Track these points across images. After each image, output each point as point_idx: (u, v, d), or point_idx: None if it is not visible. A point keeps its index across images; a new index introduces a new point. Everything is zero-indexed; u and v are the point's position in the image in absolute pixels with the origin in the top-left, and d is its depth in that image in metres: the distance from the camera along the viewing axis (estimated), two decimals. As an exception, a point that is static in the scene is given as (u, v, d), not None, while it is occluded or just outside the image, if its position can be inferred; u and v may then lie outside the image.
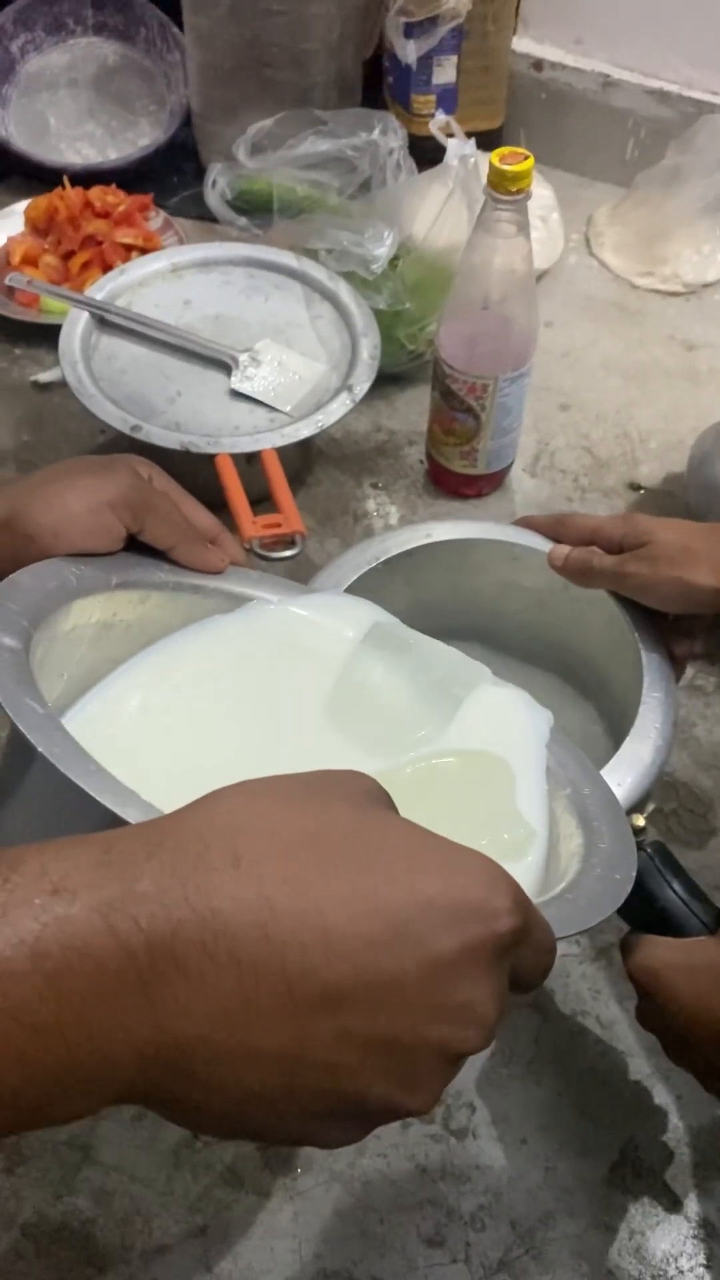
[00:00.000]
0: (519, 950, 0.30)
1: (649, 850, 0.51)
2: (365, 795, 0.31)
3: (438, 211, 0.90)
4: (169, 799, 0.30)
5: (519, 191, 0.71)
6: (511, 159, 0.70)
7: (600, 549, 0.63)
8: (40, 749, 0.31)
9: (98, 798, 0.30)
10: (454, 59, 1.02)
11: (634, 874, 0.44)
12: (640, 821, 0.51)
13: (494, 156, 0.71)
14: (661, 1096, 0.59)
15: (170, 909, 0.25)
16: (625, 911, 0.47)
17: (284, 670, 0.51)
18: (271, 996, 0.26)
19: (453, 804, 0.48)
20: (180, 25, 1.08)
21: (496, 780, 0.49)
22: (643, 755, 0.57)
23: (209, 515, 0.57)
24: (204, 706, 0.47)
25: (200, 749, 0.44)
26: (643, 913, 0.50)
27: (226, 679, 0.49)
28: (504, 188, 0.71)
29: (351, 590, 0.62)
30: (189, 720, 0.46)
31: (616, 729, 0.65)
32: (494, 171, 0.70)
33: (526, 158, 0.70)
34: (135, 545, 0.51)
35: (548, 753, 0.51)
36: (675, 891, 0.50)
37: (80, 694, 0.44)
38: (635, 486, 0.89)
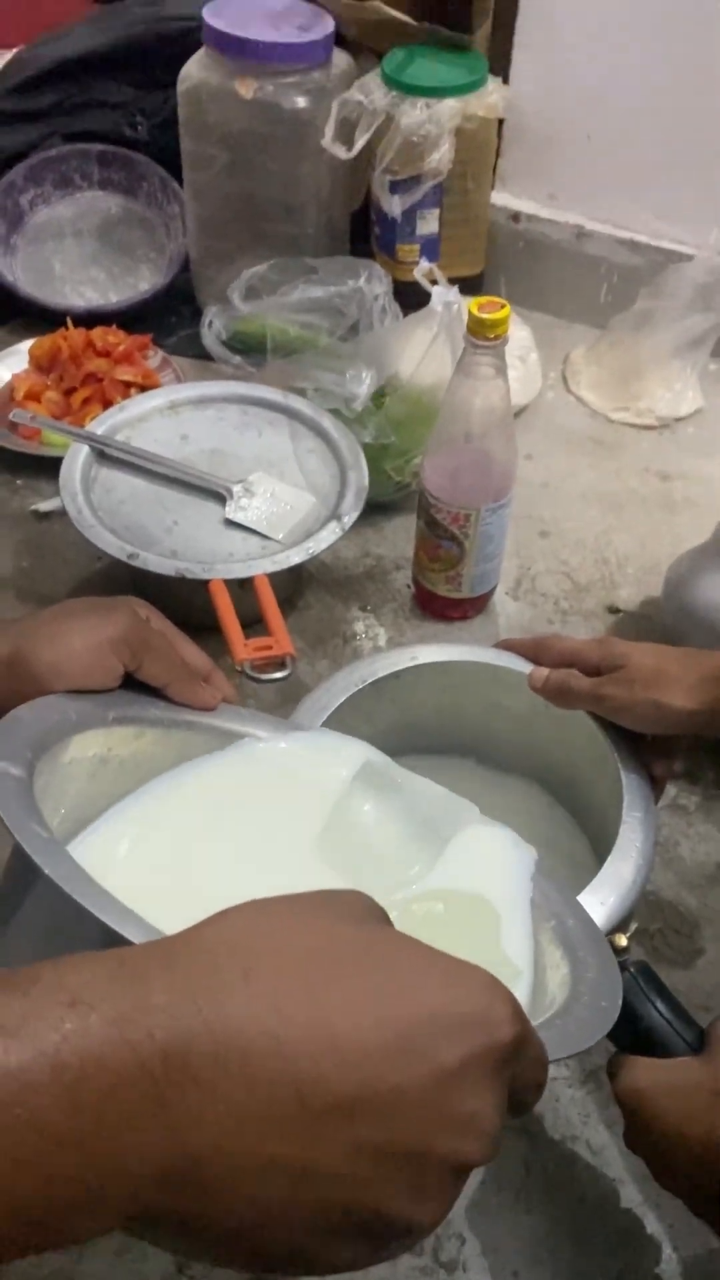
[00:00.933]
0: (518, 1063, 0.31)
1: (633, 970, 0.51)
2: (367, 912, 0.32)
3: (422, 353, 0.95)
4: (164, 930, 0.31)
5: (496, 338, 0.76)
6: (489, 308, 0.75)
7: (579, 671, 0.65)
8: (46, 870, 0.33)
9: (102, 918, 0.32)
10: (436, 212, 1.10)
11: (620, 1000, 0.45)
12: (623, 941, 0.52)
13: (473, 305, 0.76)
14: (653, 1225, 0.58)
15: (183, 1021, 0.26)
16: (610, 1031, 0.48)
17: (275, 808, 0.52)
18: (283, 1106, 0.27)
19: (440, 945, 0.49)
20: (180, 181, 1.16)
21: (482, 922, 0.50)
22: (624, 875, 0.58)
23: (202, 654, 0.59)
24: (195, 846, 0.49)
25: (192, 888, 0.45)
26: (628, 1032, 0.50)
27: (218, 818, 0.51)
28: (483, 334, 0.75)
29: (340, 711, 0.64)
30: (181, 860, 0.47)
31: (599, 843, 0.66)
32: (473, 319, 0.75)
33: (503, 307, 0.75)
34: (132, 682, 0.54)
35: (532, 886, 0.52)
36: (659, 1011, 0.51)
37: (75, 830, 0.46)
38: (614, 609, 0.92)
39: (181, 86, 1.05)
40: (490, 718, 0.72)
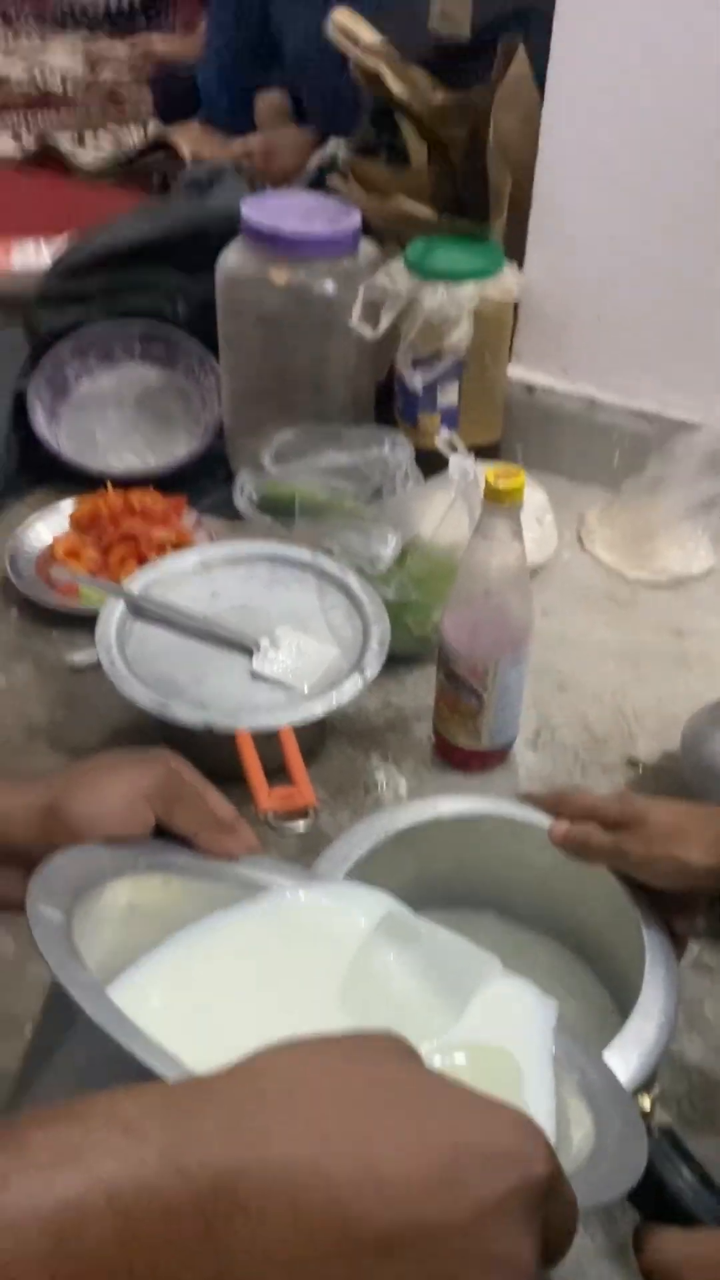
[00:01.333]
0: (550, 1203, 0.32)
1: (658, 1134, 0.51)
2: (404, 1050, 0.34)
3: (442, 515, 1.00)
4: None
5: (512, 504, 0.80)
6: (505, 476, 0.79)
7: (599, 826, 0.66)
8: (88, 1012, 0.34)
9: (145, 1060, 0.33)
10: (456, 385, 1.17)
11: (645, 1153, 0.44)
12: (647, 1104, 0.52)
13: (490, 474, 0.80)
14: None
15: (233, 1150, 0.27)
16: (635, 1197, 0.47)
17: (297, 959, 0.53)
18: (327, 1238, 0.27)
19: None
20: (217, 356, 1.24)
21: (504, 1074, 0.50)
22: (647, 1034, 0.58)
23: (228, 805, 0.61)
24: (223, 997, 0.50)
25: (222, 1038, 0.46)
26: (653, 1199, 0.49)
27: (244, 969, 0.52)
28: (499, 500, 0.80)
29: (362, 863, 0.65)
30: (210, 1011, 0.48)
31: (622, 1000, 0.66)
32: (490, 487, 0.80)
33: (518, 475, 0.80)
34: (161, 831, 0.56)
35: (554, 1040, 0.52)
36: (685, 1178, 0.50)
37: (108, 978, 0.47)
38: (633, 762, 0.93)
39: (220, 273, 1.14)
40: (511, 871, 0.72)
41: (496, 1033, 0.52)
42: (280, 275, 1.09)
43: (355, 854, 0.66)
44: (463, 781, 0.91)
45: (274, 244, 1.09)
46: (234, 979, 0.51)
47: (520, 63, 1.12)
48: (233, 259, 1.13)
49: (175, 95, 2.21)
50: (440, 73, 1.27)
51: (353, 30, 1.13)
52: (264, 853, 0.61)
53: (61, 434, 1.25)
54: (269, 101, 2.11)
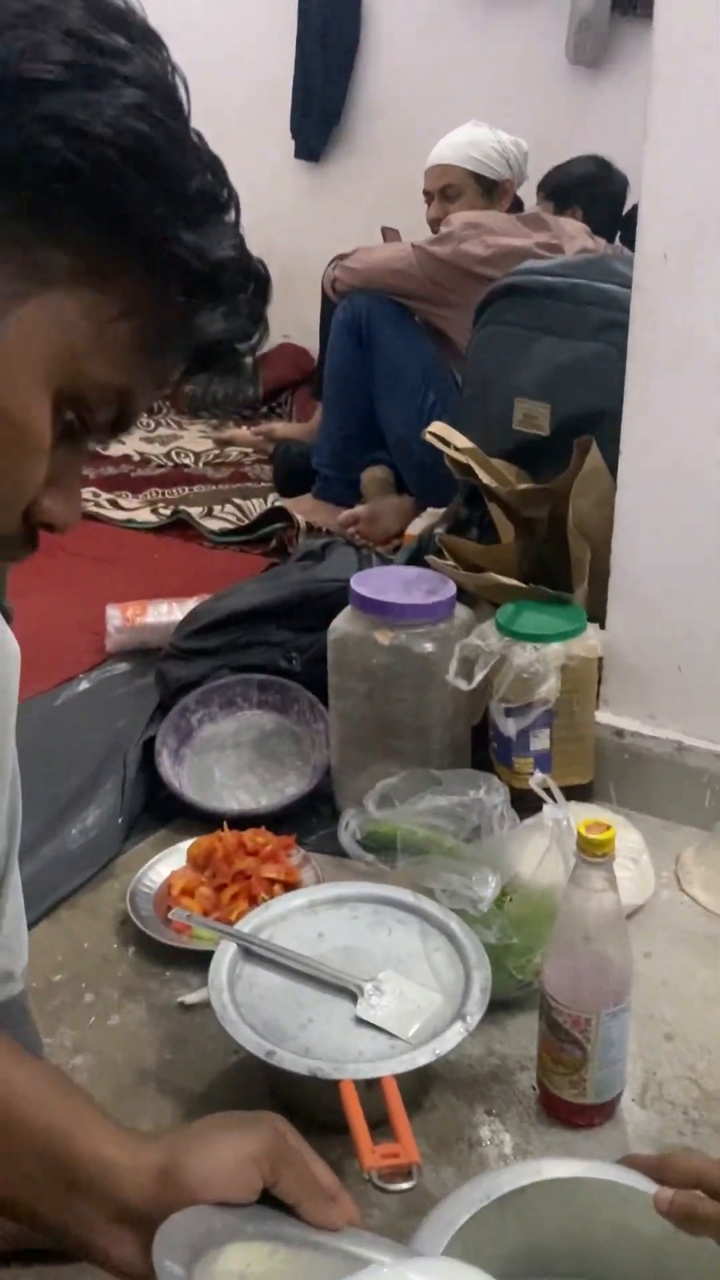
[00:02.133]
0: None
1: None
2: None
3: (539, 859, 1.04)
4: None
5: (604, 855, 0.85)
6: (595, 829, 0.85)
7: (706, 1194, 0.65)
8: None
9: None
10: (547, 731, 1.25)
11: None
12: None
13: (581, 826, 0.86)
14: None
15: None
16: None
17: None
18: None
19: None
20: (326, 704, 1.35)
21: None
22: None
23: (331, 1174, 0.63)
24: None
25: None
26: None
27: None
28: (591, 852, 0.85)
29: (464, 1230, 0.65)
30: None
31: None
32: (582, 839, 0.85)
33: (608, 828, 0.85)
34: (266, 1196, 0.58)
35: None
36: None
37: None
38: (746, 1121, 0.90)
39: (331, 635, 1.27)
40: (619, 1240, 0.70)
41: None
42: (385, 637, 1.22)
43: (458, 1220, 0.65)
44: (568, 1138, 0.90)
45: (380, 612, 1.22)
46: None
47: (594, 457, 1.28)
48: (342, 624, 1.26)
49: (293, 472, 2.52)
50: (522, 462, 1.46)
51: (446, 436, 1.32)
52: (365, 1218, 0.62)
53: (184, 775, 1.36)
54: (373, 475, 2.39)
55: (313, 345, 3.13)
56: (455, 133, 2.28)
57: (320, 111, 3.20)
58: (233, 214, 0.51)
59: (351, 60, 3.14)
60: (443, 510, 1.94)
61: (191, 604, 1.69)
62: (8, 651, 0.68)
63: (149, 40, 0.46)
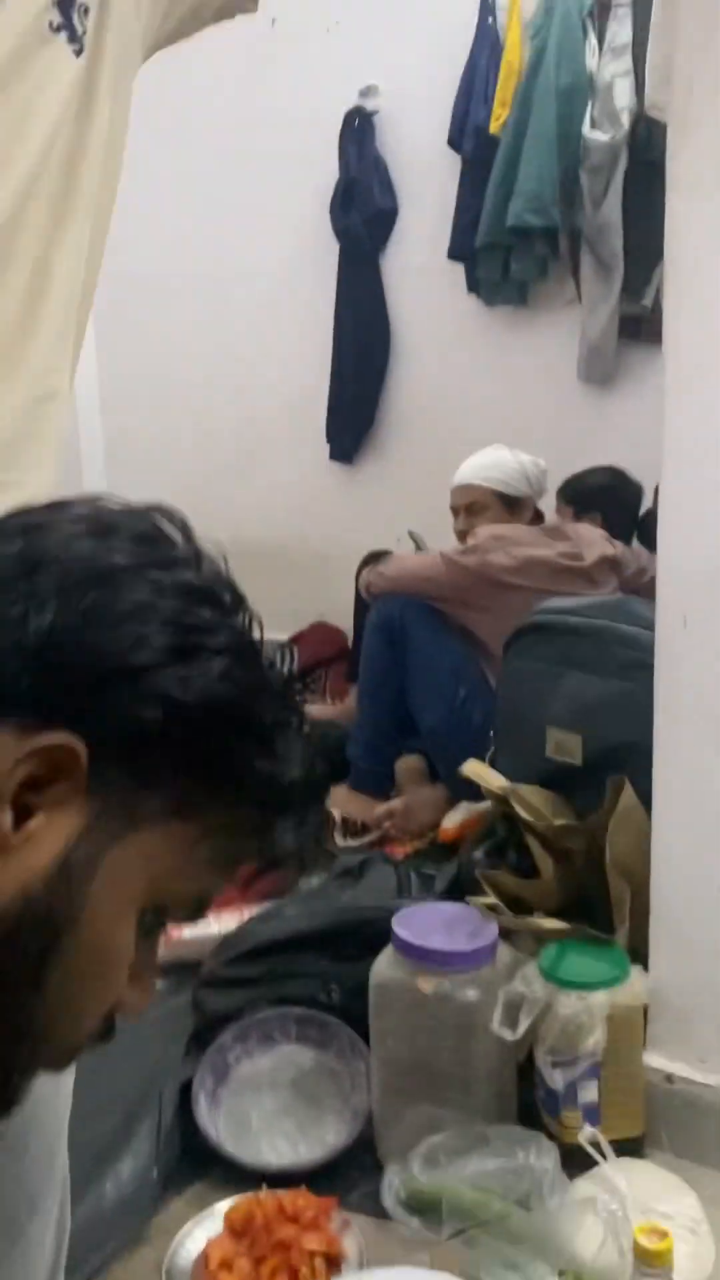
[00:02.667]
0: None
1: None
2: None
3: (596, 1246, 1.00)
4: None
5: (663, 1266, 0.82)
6: (652, 1237, 0.82)
7: None
8: None
9: None
10: (595, 1083, 1.22)
11: None
12: None
13: (638, 1231, 0.83)
14: None
15: None
16: None
17: None
18: None
19: None
20: (366, 1040, 1.33)
21: None
22: None
23: None
24: None
25: None
26: None
27: None
28: (649, 1262, 0.82)
29: None
30: None
31: None
32: (639, 1247, 0.82)
33: (665, 1236, 0.82)
34: None
35: None
36: None
37: None
38: None
39: (374, 979, 1.27)
40: None
41: None
42: (427, 984, 1.22)
43: None
44: None
45: (421, 957, 1.23)
46: None
47: (628, 795, 1.32)
48: (384, 968, 1.27)
49: (328, 758, 2.58)
50: (557, 788, 1.50)
51: (484, 775, 1.37)
52: None
53: (220, 1119, 1.33)
54: (408, 765, 2.44)
55: (346, 625, 3.27)
56: (479, 455, 2.48)
57: (353, 419, 3.48)
58: (301, 725, 0.56)
59: (383, 374, 3.44)
60: (478, 806, 1.97)
61: (230, 917, 1.70)
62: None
63: (234, 607, 0.54)
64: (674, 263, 1.15)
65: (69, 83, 0.94)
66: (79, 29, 0.95)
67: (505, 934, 1.32)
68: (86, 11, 0.96)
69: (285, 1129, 1.34)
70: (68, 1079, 0.82)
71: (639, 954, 1.29)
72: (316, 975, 1.44)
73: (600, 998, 1.20)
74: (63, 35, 0.95)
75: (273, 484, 3.76)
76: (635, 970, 1.25)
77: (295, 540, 3.76)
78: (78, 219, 0.94)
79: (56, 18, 0.94)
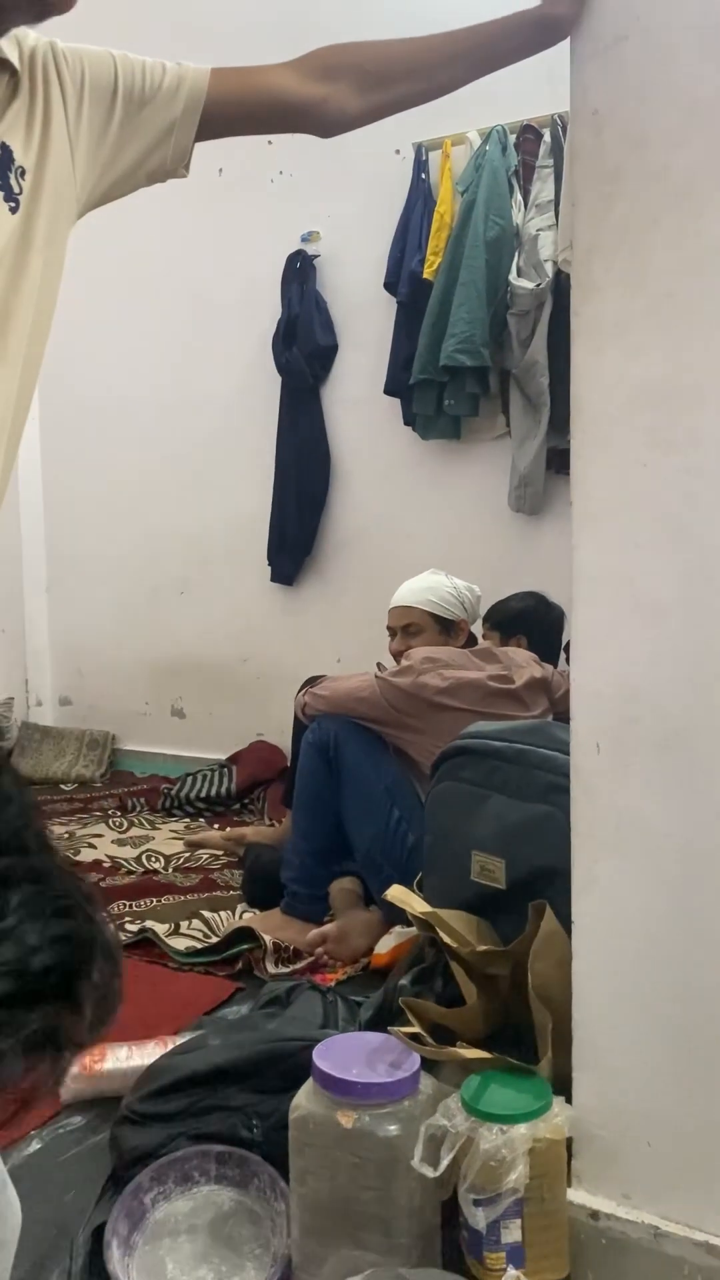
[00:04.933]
0: None
1: None
2: None
3: None
4: None
5: None
6: None
7: None
8: None
9: None
10: (518, 1221, 1.19)
11: None
12: None
13: None
14: None
15: None
16: None
17: None
18: None
19: None
20: (287, 1177, 1.29)
21: None
22: None
23: None
24: None
25: None
26: None
27: None
28: None
29: None
30: None
31: None
32: None
33: None
34: None
35: None
36: None
37: None
38: None
39: (293, 1114, 1.24)
40: None
41: None
42: (347, 1119, 1.19)
43: None
44: None
45: (342, 1090, 1.21)
46: None
47: (549, 920, 1.33)
48: (304, 1101, 1.24)
49: (263, 880, 2.55)
50: (481, 911, 1.50)
51: (407, 900, 1.37)
52: None
53: (133, 1268, 1.27)
54: (341, 886, 2.43)
55: (285, 744, 3.28)
56: (416, 579, 2.54)
57: (294, 543, 3.55)
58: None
59: (323, 501, 3.54)
60: (411, 930, 1.96)
61: (152, 1048, 1.66)
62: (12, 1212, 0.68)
63: None
64: (578, 406, 1.23)
65: (4, 237, 1.00)
66: (15, 189, 1.02)
67: (429, 1065, 1.30)
68: (24, 174, 1.03)
69: (203, 1277, 1.28)
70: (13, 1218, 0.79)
71: (564, 1084, 1.28)
72: (239, 1109, 1.40)
73: (522, 1131, 1.18)
74: None
75: (215, 604, 3.81)
76: (558, 1102, 1.24)
77: (236, 660, 3.78)
78: (8, 364, 0.99)
79: None
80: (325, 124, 1.19)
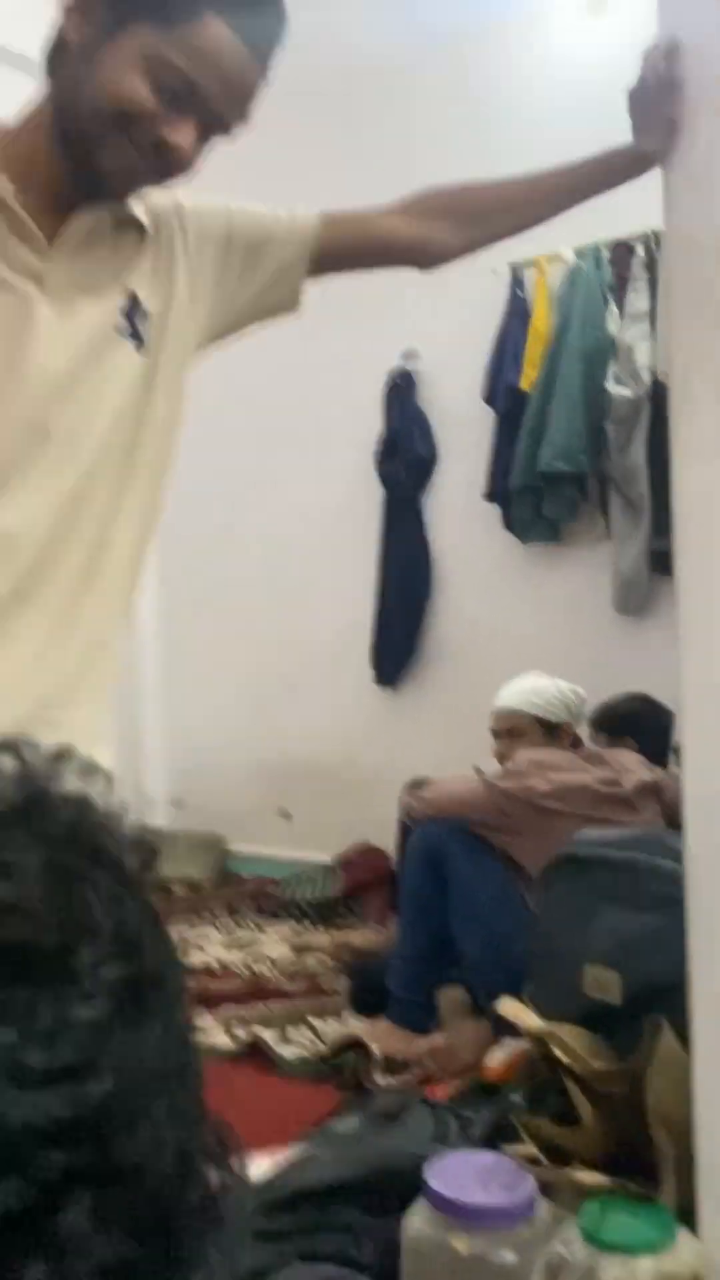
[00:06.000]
0: None
1: None
2: None
3: None
4: None
5: None
6: None
7: None
8: None
9: None
10: None
11: None
12: None
13: None
14: None
15: None
16: None
17: None
18: None
19: None
20: None
21: None
22: None
23: None
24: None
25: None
26: None
27: None
28: None
29: None
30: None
31: None
32: None
33: None
34: None
35: None
36: None
37: None
38: None
39: (406, 1234, 1.22)
40: None
41: None
42: (462, 1244, 1.16)
43: None
44: None
45: (457, 1213, 1.18)
46: None
47: (667, 1037, 1.29)
48: (417, 1223, 1.21)
49: (368, 987, 2.53)
50: (594, 1027, 1.46)
51: (521, 1015, 1.35)
52: None
53: None
54: (450, 997, 2.39)
55: (388, 844, 3.27)
56: (520, 680, 2.55)
57: (397, 647, 3.60)
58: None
59: (425, 605, 3.59)
60: (522, 1043, 1.91)
61: (261, 1159, 1.64)
62: None
63: None
64: (681, 516, 1.24)
65: (131, 378, 1.08)
66: (142, 333, 1.10)
67: (544, 1187, 1.26)
68: (148, 318, 1.12)
69: None
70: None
71: (684, 1214, 1.22)
72: (349, 1229, 1.37)
73: (647, 1264, 1.13)
74: (128, 337, 1.10)
75: (320, 707, 3.86)
76: (683, 1233, 1.18)
77: (341, 762, 3.81)
78: (135, 492, 1.06)
79: (124, 324, 1.09)
80: (427, 261, 1.26)
